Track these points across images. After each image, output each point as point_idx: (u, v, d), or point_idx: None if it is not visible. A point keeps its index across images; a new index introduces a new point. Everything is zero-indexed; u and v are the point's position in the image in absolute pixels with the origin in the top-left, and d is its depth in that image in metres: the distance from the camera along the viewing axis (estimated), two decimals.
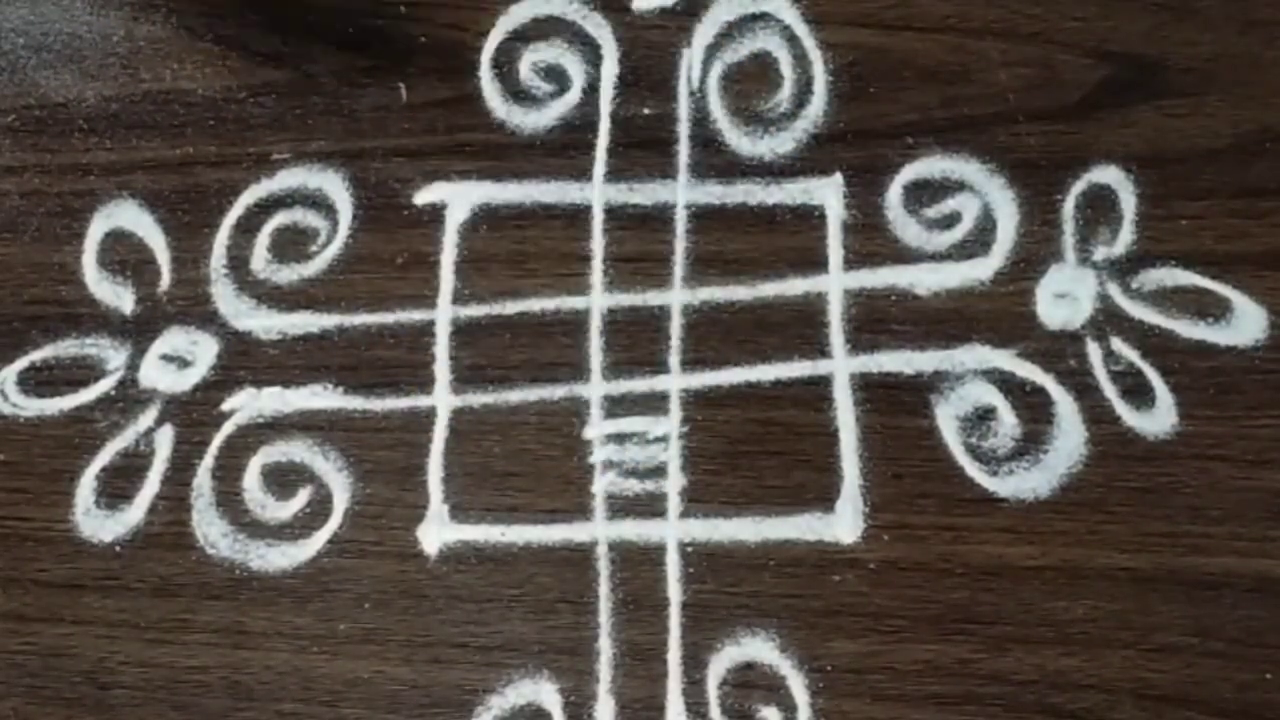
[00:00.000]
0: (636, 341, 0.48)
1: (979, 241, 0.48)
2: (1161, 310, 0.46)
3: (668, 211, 0.49)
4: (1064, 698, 0.43)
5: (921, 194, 0.48)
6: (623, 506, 0.46)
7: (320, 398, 0.48)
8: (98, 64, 0.53)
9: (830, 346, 0.47)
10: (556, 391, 0.47)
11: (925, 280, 0.47)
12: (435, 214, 0.50)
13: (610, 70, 0.50)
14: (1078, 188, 0.48)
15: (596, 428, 0.47)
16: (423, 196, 0.50)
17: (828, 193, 0.48)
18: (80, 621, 0.47)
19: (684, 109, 0.50)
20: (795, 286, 0.48)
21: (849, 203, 0.48)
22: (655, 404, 0.47)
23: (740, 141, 0.49)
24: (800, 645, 0.44)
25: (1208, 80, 0.48)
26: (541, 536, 0.46)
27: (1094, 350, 0.46)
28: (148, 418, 0.48)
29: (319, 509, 0.47)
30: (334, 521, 0.47)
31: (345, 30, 0.52)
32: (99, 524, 0.48)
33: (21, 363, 0.50)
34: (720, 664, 0.44)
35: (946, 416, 0.46)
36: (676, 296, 0.48)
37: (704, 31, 0.50)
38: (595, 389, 0.47)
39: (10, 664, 0.46)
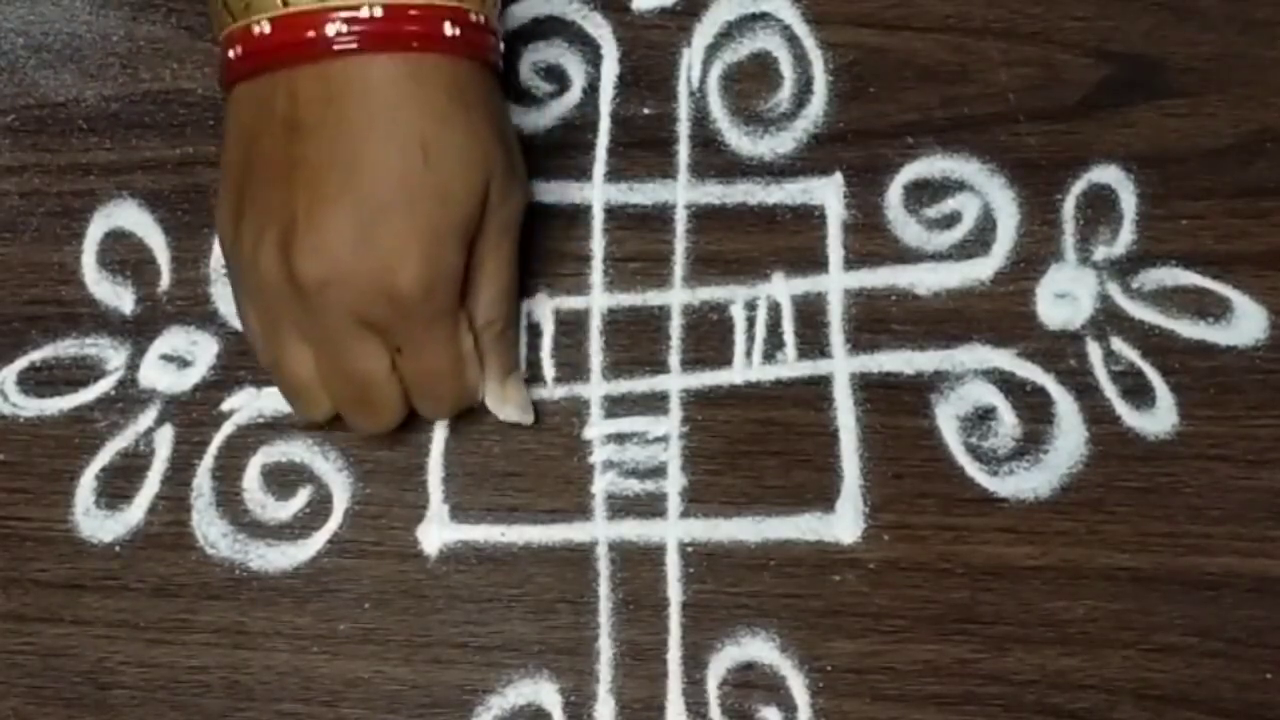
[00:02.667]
0: (636, 341, 0.48)
1: (979, 241, 0.48)
2: (1161, 310, 0.46)
3: (668, 211, 0.49)
4: (1064, 698, 0.43)
5: (921, 194, 0.48)
6: (623, 506, 0.46)
7: None
8: (98, 64, 0.53)
9: (830, 346, 0.47)
10: (556, 391, 0.47)
11: (925, 280, 0.47)
12: None
13: (610, 70, 0.50)
14: (1078, 188, 0.48)
15: (596, 428, 0.47)
16: None
17: (828, 193, 0.48)
18: (80, 621, 0.47)
19: (684, 109, 0.50)
20: (795, 286, 0.48)
21: (849, 203, 0.48)
22: (655, 404, 0.47)
23: (740, 141, 0.49)
24: (800, 645, 0.44)
25: (1208, 80, 0.48)
26: (541, 536, 0.46)
27: (1094, 350, 0.46)
28: (148, 418, 0.48)
29: (319, 509, 0.47)
30: (334, 521, 0.47)
31: None
32: (99, 524, 0.47)
33: (21, 363, 0.49)
34: (720, 664, 0.44)
35: (946, 416, 0.46)
36: (676, 296, 0.48)
37: (704, 31, 0.50)
38: (595, 389, 0.47)
39: (10, 664, 0.46)
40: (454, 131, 0.41)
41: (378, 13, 0.40)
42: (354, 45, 0.40)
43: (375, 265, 0.40)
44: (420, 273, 0.40)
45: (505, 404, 0.45)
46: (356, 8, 0.40)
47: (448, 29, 0.41)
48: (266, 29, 0.41)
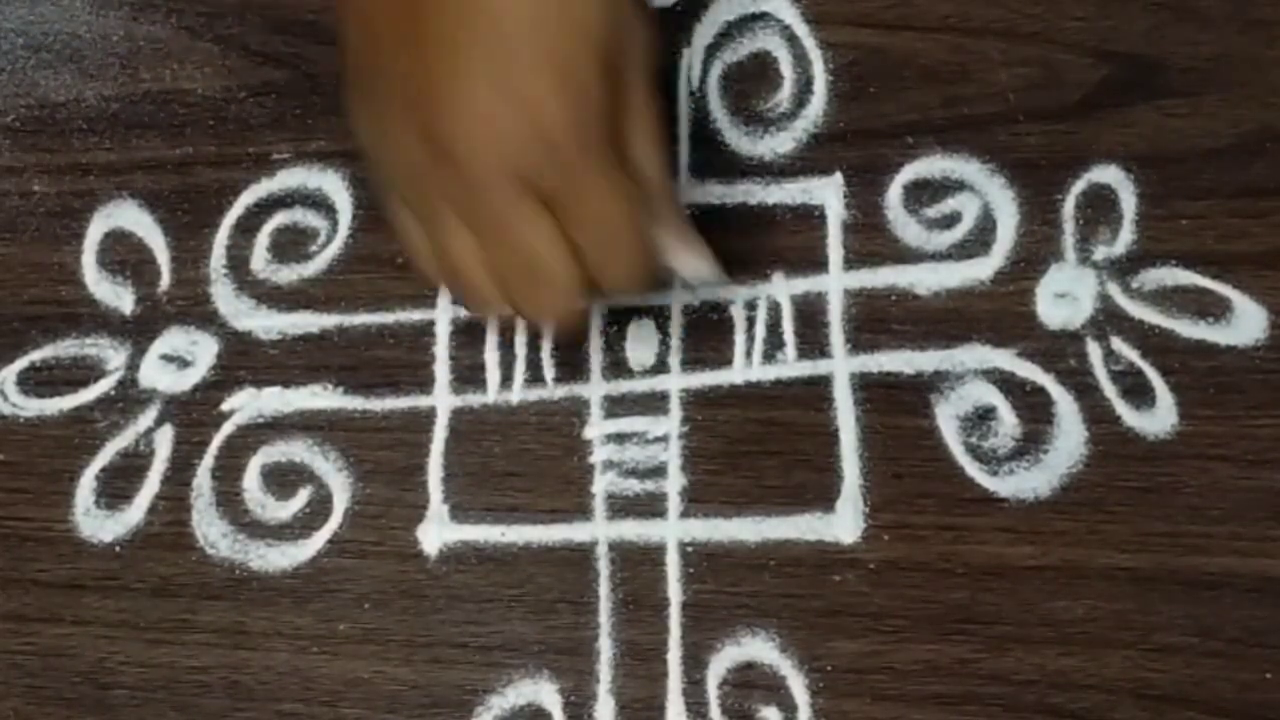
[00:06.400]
0: (637, 341, 0.48)
1: (979, 241, 0.48)
2: (1161, 310, 0.46)
3: None
4: (1064, 698, 0.43)
5: (921, 194, 0.48)
6: (623, 506, 0.46)
7: (320, 398, 0.48)
8: (97, 64, 0.53)
9: (830, 346, 0.47)
10: (556, 391, 0.47)
11: (925, 280, 0.47)
12: None
13: None
14: (1078, 187, 0.48)
15: (596, 428, 0.47)
16: None
17: (828, 193, 0.48)
18: (80, 622, 0.47)
19: (684, 109, 0.50)
20: (795, 286, 0.48)
21: (849, 203, 0.48)
22: (655, 404, 0.47)
23: (740, 141, 0.49)
24: (800, 645, 0.44)
25: (1208, 80, 0.48)
26: (541, 536, 0.46)
27: (1094, 350, 0.46)
28: (148, 418, 0.48)
29: (319, 509, 0.47)
30: (334, 521, 0.47)
31: None
32: (99, 524, 0.48)
33: (21, 363, 0.50)
34: (720, 664, 0.44)
35: (946, 416, 0.46)
36: (676, 296, 0.48)
37: (704, 31, 0.50)
38: (595, 389, 0.47)
39: (10, 664, 0.46)
40: None
41: None
42: None
43: (519, 108, 0.38)
44: (566, 106, 0.38)
45: (695, 257, 0.43)
46: None
47: None
48: None
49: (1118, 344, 0.46)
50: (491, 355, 0.48)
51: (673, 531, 0.46)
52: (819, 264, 0.48)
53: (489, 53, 0.38)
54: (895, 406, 0.46)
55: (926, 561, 0.45)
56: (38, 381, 0.49)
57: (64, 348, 0.50)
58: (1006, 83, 0.49)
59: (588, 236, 0.40)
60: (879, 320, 0.47)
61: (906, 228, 0.48)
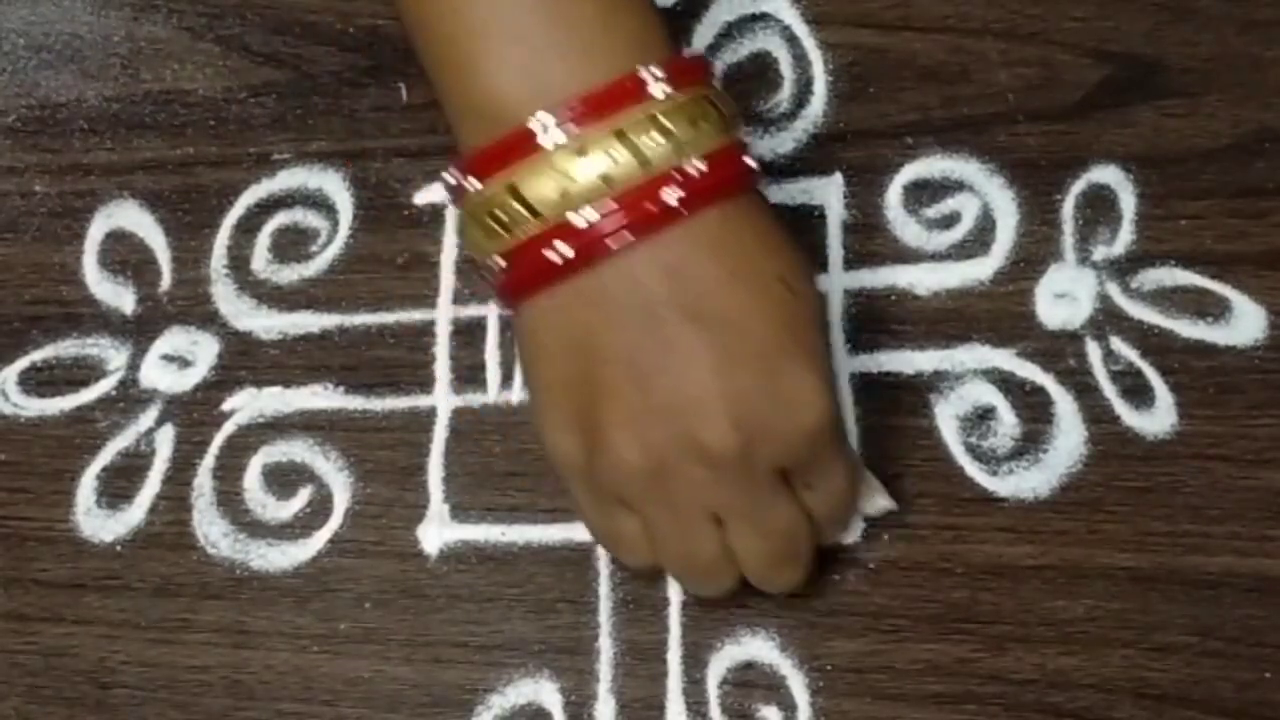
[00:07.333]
0: None
1: (979, 241, 0.48)
2: (1161, 310, 0.46)
3: None
4: (1064, 697, 0.43)
5: (921, 194, 0.48)
6: None
7: (320, 398, 0.48)
8: (98, 64, 0.53)
9: (830, 346, 0.47)
10: None
11: (925, 280, 0.47)
12: (435, 214, 0.50)
13: None
14: (1077, 188, 0.48)
15: None
16: (423, 196, 0.50)
17: (828, 193, 0.49)
18: (81, 621, 0.47)
19: None
20: None
21: (849, 203, 0.48)
22: None
23: None
24: (800, 645, 0.44)
25: (1207, 80, 0.48)
26: (541, 536, 0.46)
27: (1094, 350, 0.46)
28: (148, 417, 0.49)
29: (319, 509, 0.47)
30: (334, 521, 0.47)
31: (345, 30, 0.52)
32: (100, 524, 0.48)
33: (22, 363, 0.50)
34: (720, 663, 0.44)
35: (946, 416, 0.46)
36: None
37: (704, 31, 0.50)
38: None
39: (11, 664, 0.46)
40: (790, 253, 0.40)
41: (702, 166, 0.38)
42: (685, 211, 0.38)
43: (793, 412, 0.39)
44: (828, 399, 0.39)
45: (882, 498, 0.44)
46: (680, 169, 0.38)
47: (750, 162, 0.40)
48: (595, 217, 0.38)
49: (1117, 344, 0.46)
50: (492, 355, 0.48)
51: None
52: (819, 264, 0.48)
53: (760, 362, 0.39)
54: (895, 406, 0.46)
55: (926, 561, 0.45)
56: (39, 381, 0.49)
57: (65, 348, 0.50)
58: (1006, 83, 0.49)
59: (826, 510, 0.42)
60: (879, 320, 0.47)
61: (906, 228, 0.48)
